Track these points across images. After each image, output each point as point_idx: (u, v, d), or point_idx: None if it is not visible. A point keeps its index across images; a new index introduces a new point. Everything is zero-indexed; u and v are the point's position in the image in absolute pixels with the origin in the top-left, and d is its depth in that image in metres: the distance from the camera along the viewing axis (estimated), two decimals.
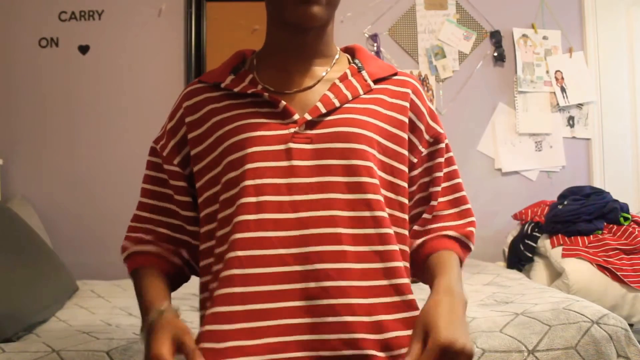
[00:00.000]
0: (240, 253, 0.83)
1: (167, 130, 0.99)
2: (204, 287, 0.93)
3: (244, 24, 2.79)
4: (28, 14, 2.78)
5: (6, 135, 2.75)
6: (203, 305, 0.92)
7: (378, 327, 0.84)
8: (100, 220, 2.74)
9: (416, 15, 2.94)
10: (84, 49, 2.80)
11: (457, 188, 1.01)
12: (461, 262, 0.98)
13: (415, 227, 1.00)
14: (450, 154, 1.02)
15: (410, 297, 0.88)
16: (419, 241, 0.98)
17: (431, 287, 0.89)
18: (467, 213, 1.01)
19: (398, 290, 0.87)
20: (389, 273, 0.87)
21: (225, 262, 0.84)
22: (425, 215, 0.99)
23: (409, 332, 0.84)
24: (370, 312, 0.84)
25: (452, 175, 1.02)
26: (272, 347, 0.81)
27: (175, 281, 1.00)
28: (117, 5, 2.82)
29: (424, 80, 2.92)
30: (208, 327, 0.84)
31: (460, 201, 1.01)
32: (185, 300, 2.04)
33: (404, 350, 0.83)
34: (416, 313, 0.87)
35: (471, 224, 1.00)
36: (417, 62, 2.93)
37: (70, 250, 2.62)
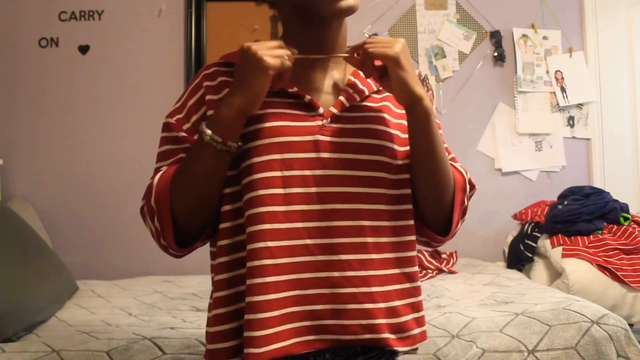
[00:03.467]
0: (270, 244, 0.86)
1: (188, 106, 0.96)
2: (225, 267, 0.90)
3: (244, 24, 2.79)
4: (28, 14, 2.78)
5: (6, 135, 2.75)
6: (223, 286, 0.90)
7: (392, 312, 0.91)
8: (100, 220, 2.75)
9: (416, 15, 2.94)
10: (84, 49, 2.80)
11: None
12: (458, 184, 0.98)
13: None
14: (440, 131, 1.03)
15: (417, 283, 0.95)
16: None
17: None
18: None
19: (409, 277, 0.94)
20: (403, 262, 0.93)
21: (255, 252, 0.86)
22: None
23: (417, 315, 0.94)
24: (386, 299, 0.91)
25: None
26: (298, 331, 0.87)
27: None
28: (117, 5, 2.82)
29: (423, 80, 2.92)
30: (247, 317, 0.85)
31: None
32: (185, 300, 2.04)
33: (412, 332, 0.93)
34: (421, 298, 0.95)
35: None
36: (417, 62, 2.93)
37: (70, 250, 2.62)
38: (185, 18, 2.83)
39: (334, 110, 0.93)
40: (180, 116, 0.95)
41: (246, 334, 0.85)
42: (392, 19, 2.93)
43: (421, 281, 2.30)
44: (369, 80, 0.99)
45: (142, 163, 2.69)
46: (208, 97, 0.94)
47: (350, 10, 0.92)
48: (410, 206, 0.95)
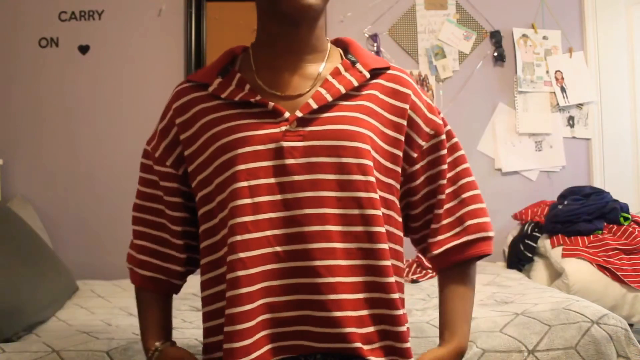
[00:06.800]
0: (242, 255, 0.85)
1: (158, 131, 1.00)
2: (208, 284, 0.93)
3: (244, 24, 2.78)
4: (28, 14, 2.78)
5: (6, 135, 2.75)
6: (208, 302, 0.94)
7: (362, 321, 0.87)
8: (100, 220, 2.74)
9: (416, 15, 2.94)
10: (84, 49, 2.80)
11: (464, 187, 1.03)
12: (483, 255, 1.04)
13: (424, 232, 1.02)
14: (455, 139, 1.05)
15: (393, 296, 0.89)
16: (437, 251, 1.00)
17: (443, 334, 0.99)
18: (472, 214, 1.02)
19: (381, 287, 0.88)
20: (374, 270, 0.88)
21: (229, 265, 0.86)
22: (432, 226, 1.01)
23: (387, 327, 0.89)
24: (356, 307, 0.87)
25: (457, 167, 1.04)
26: (270, 338, 0.87)
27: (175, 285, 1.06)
28: (117, 5, 2.81)
29: (424, 80, 2.92)
30: (226, 329, 0.86)
31: (466, 202, 1.02)
32: (185, 300, 2.04)
33: (377, 345, 0.89)
34: (398, 312, 0.89)
35: (480, 226, 1.03)
36: (417, 62, 2.93)
37: (70, 250, 2.62)
38: (185, 18, 2.82)
39: (299, 114, 0.89)
40: (154, 143, 1.00)
41: (226, 345, 0.85)
42: (392, 19, 2.93)
43: (421, 281, 2.32)
44: (350, 78, 0.94)
45: None
46: (178, 120, 0.96)
47: (310, 10, 0.88)
48: (379, 212, 0.89)
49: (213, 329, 0.91)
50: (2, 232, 1.84)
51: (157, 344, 0.97)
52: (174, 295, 1.06)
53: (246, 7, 2.81)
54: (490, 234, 1.03)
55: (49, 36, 2.78)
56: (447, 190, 1.00)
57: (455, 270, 1.01)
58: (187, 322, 1.74)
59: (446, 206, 1.00)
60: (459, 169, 1.03)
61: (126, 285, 2.34)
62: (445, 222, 1.00)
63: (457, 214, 1.00)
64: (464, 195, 1.01)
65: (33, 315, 1.72)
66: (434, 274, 2.43)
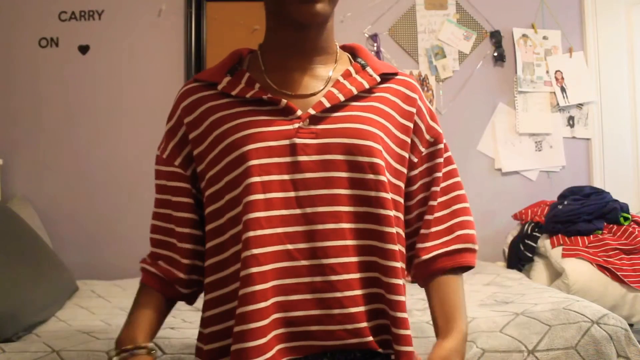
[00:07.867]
0: (255, 251, 0.84)
1: (166, 133, 0.99)
2: (215, 285, 0.91)
3: (244, 24, 2.79)
4: (28, 14, 2.78)
5: (6, 135, 2.75)
6: (215, 304, 0.91)
7: (373, 314, 0.89)
8: (101, 220, 2.74)
9: (416, 15, 2.94)
10: (84, 49, 2.80)
11: (456, 199, 1.03)
12: (470, 267, 1.02)
13: (415, 239, 1.02)
14: (449, 153, 1.04)
15: (399, 298, 0.89)
16: (426, 257, 0.99)
17: (441, 329, 0.99)
18: (462, 224, 1.02)
19: (390, 288, 0.88)
20: (385, 271, 0.88)
21: (243, 261, 0.85)
22: (422, 231, 1.00)
23: (386, 322, 0.89)
24: (368, 302, 0.88)
25: (450, 179, 1.03)
26: (282, 338, 0.85)
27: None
28: (117, 5, 2.81)
29: (424, 80, 2.92)
30: (239, 328, 0.83)
31: (457, 213, 1.02)
32: None
33: (378, 339, 0.89)
34: (402, 315, 0.88)
35: (468, 237, 1.02)
36: (417, 62, 2.93)
37: (70, 250, 2.62)
38: (185, 18, 2.82)
39: (312, 112, 0.89)
40: (163, 145, 0.99)
41: (237, 346, 0.83)
42: (392, 19, 2.93)
43: None
44: (361, 80, 0.95)
45: (142, 163, 2.68)
46: (186, 119, 0.96)
47: (318, 16, 0.89)
48: (389, 212, 0.89)
49: (218, 334, 0.90)
50: (2, 232, 1.84)
51: (143, 343, 0.95)
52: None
53: (246, 7, 2.82)
54: (476, 247, 1.02)
55: (49, 36, 2.78)
56: (440, 199, 1.01)
57: (442, 277, 1.00)
58: (187, 322, 1.74)
59: (437, 214, 1.01)
60: (451, 181, 1.03)
61: (126, 285, 2.34)
62: (434, 229, 1.00)
63: (447, 224, 1.01)
64: (455, 207, 1.02)
65: (33, 315, 1.72)
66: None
